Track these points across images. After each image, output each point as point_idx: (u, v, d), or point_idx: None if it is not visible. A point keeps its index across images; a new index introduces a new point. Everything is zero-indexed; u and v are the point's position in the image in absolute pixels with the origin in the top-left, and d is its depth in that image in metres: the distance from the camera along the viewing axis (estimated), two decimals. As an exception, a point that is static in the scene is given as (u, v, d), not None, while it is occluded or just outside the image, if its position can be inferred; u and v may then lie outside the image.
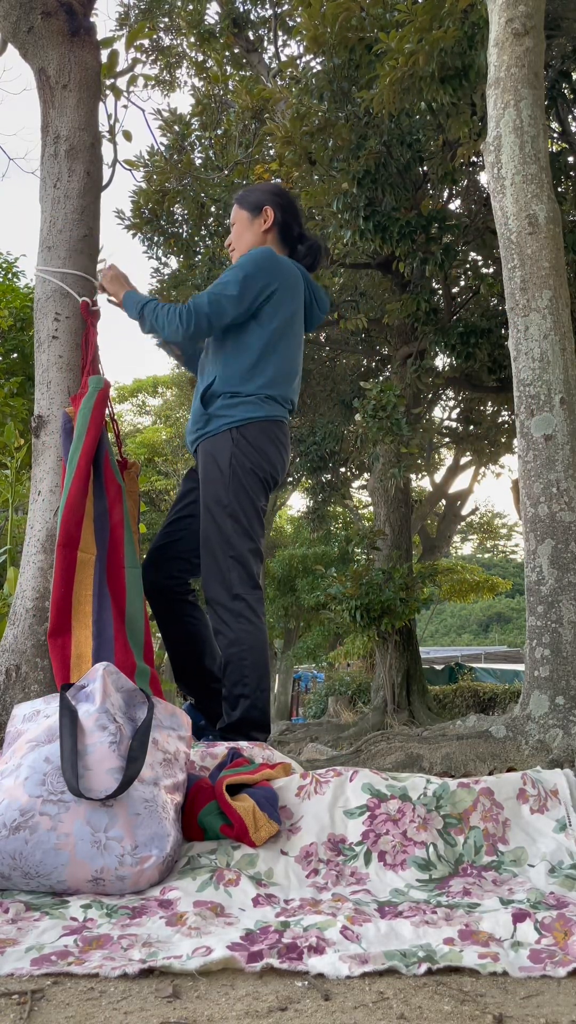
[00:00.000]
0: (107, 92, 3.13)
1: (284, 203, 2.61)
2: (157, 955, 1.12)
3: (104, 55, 2.87)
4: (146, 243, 8.74)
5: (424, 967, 1.08)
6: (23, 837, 1.39)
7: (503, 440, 11.11)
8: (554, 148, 6.90)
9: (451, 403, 11.62)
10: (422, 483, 15.09)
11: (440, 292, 8.02)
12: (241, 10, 9.46)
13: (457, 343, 7.23)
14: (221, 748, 1.92)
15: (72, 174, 2.61)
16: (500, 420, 10.82)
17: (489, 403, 10.62)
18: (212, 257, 8.79)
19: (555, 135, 6.86)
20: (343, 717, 12.06)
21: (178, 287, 8.81)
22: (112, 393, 2.59)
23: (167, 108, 11.15)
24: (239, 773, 1.70)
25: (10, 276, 6.65)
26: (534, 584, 2.40)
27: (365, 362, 10.98)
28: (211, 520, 2.37)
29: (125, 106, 3.49)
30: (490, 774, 1.87)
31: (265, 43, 9.70)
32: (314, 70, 6.09)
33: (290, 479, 12.26)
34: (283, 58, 9.35)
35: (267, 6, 9.44)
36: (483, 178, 7.59)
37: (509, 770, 1.92)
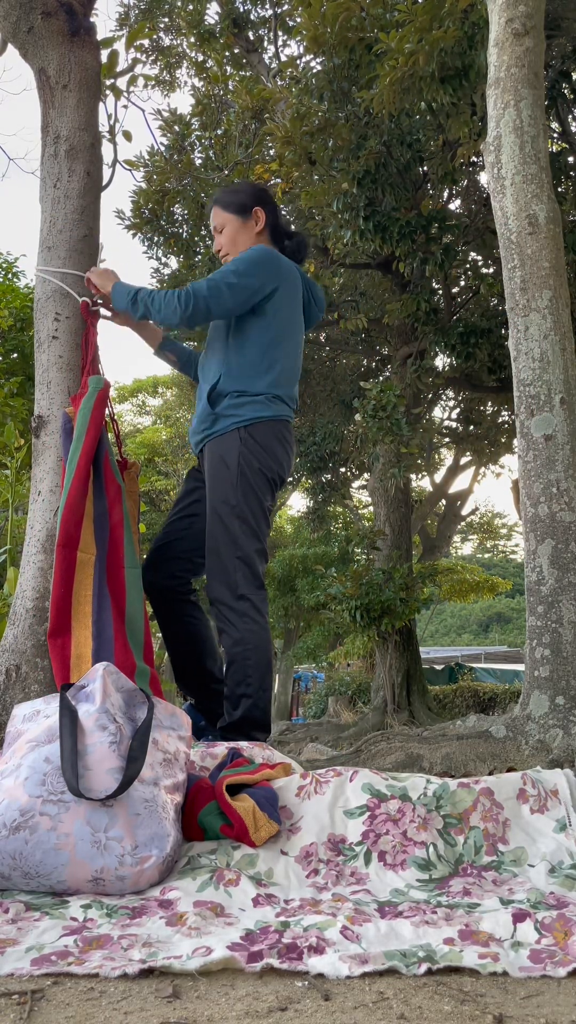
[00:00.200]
0: (107, 92, 3.13)
1: (269, 201, 2.61)
2: (157, 955, 1.12)
3: (104, 55, 2.87)
4: (146, 243, 8.74)
5: (424, 967, 1.08)
6: (23, 837, 1.39)
7: (503, 440, 11.11)
8: (554, 148, 6.90)
9: (451, 403, 11.62)
10: (422, 483, 15.10)
11: (440, 292, 8.02)
12: (241, 10, 9.45)
13: (457, 343, 7.23)
14: (221, 748, 1.92)
15: (72, 174, 2.61)
16: (500, 420, 10.82)
17: (489, 403, 10.62)
18: (212, 257, 8.79)
19: (555, 135, 6.86)
20: (343, 717, 12.06)
21: (178, 287, 8.81)
22: (112, 393, 2.59)
23: (167, 108, 11.16)
24: (239, 773, 1.70)
25: (10, 276, 6.65)
26: (534, 584, 2.40)
27: (365, 362, 10.98)
28: (218, 520, 2.36)
29: (125, 106, 3.50)
30: (490, 774, 1.87)
31: (265, 43, 9.70)
32: (314, 70, 6.09)
33: (290, 479, 12.26)
34: (283, 58, 9.35)
35: (267, 6, 9.44)
36: (483, 178, 7.59)
37: (509, 770, 1.92)
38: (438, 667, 17.92)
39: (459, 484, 16.85)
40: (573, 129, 6.65)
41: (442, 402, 11.26)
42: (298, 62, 8.04)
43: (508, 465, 14.07)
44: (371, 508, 12.87)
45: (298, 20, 6.26)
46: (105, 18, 38.09)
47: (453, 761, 2.10)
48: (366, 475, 11.19)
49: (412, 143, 6.25)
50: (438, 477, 14.54)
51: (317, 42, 5.49)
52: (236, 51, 9.70)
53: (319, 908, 1.33)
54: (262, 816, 1.56)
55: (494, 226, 3.10)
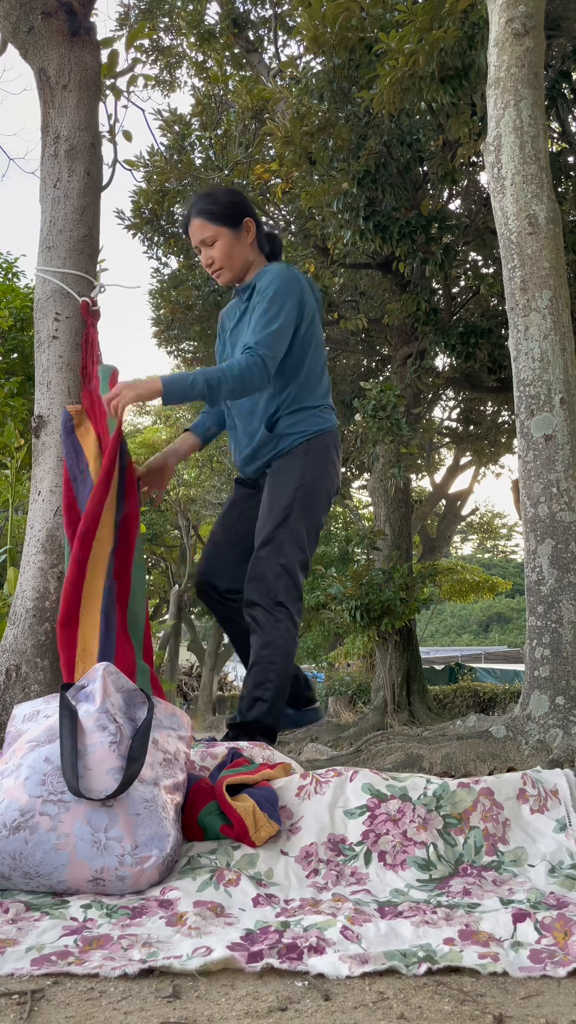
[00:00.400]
0: (107, 92, 3.13)
1: (250, 206, 2.55)
2: (157, 955, 1.12)
3: (104, 55, 2.87)
4: (146, 243, 8.74)
5: (424, 967, 1.08)
6: (23, 837, 1.39)
7: (503, 440, 11.12)
8: (554, 148, 6.90)
9: (451, 403, 11.62)
10: (422, 483, 15.10)
11: (440, 292, 8.02)
12: (241, 10, 9.46)
13: (457, 343, 7.23)
14: (221, 748, 1.92)
15: (72, 174, 2.61)
16: (500, 420, 10.82)
17: (489, 403, 10.62)
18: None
19: (555, 135, 6.86)
20: (343, 717, 12.06)
21: (178, 287, 8.81)
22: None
23: (167, 108, 11.16)
24: (239, 773, 1.70)
25: (10, 276, 6.65)
26: (534, 584, 2.40)
27: (365, 362, 10.99)
28: (270, 527, 2.35)
29: (125, 106, 3.49)
30: (490, 774, 1.87)
31: (265, 43, 9.70)
32: (314, 70, 6.09)
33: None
34: (283, 58, 9.35)
35: (267, 6, 9.44)
36: (483, 178, 7.59)
37: (509, 770, 1.92)
38: (438, 667, 17.93)
39: (459, 484, 16.86)
40: (573, 129, 6.65)
41: (442, 402, 11.26)
42: (298, 62, 8.04)
43: (508, 465, 14.08)
44: (371, 508, 12.86)
45: (298, 20, 6.26)
46: (105, 18, 38.06)
47: (453, 761, 2.10)
48: (366, 475, 11.19)
49: (412, 143, 6.25)
50: (438, 477, 14.54)
51: (317, 42, 5.49)
52: (236, 51, 9.70)
53: (319, 908, 1.33)
54: (262, 816, 1.56)
55: (494, 226, 3.10)
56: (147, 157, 7.82)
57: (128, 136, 3.40)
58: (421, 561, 12.75)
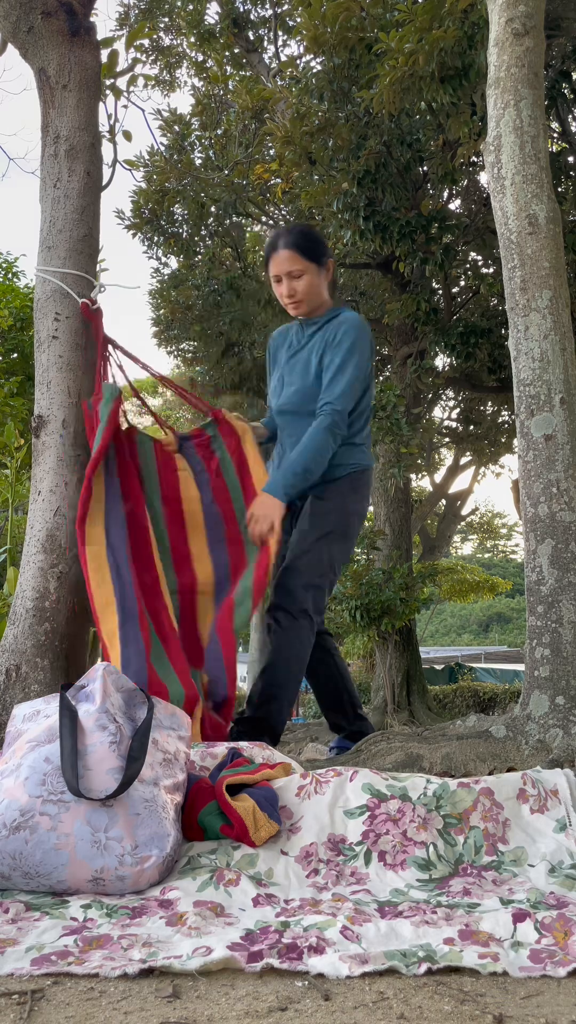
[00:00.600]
0: (107, 92, 3.13)
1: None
2: (157, 955, 1.12)
3: (104, 55, 2.87)
4: (146, 243, 8.73)
5: (424, 967, 1.08)
6: (23, 837, 1.39)
7: (503, 440, 11.11)
8: (554, 148, 6.90)
9: (451, 403, 11.61)
10: (422, 483, 15.09)
11: (440, 292, 8.02)
12: (241, 10, 9.45)
13: (457, 343, 7.22)
14: (221, 748, 1.92)
15: (72, 174, 2.61)
16: (500, 420, 10.81)
17: (489, 403, 10.62)
18: (212, 257, 8.79)
19: (555, 135, 6.86)
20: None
21: (178, 287, 8.81)
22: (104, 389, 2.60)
23: (167, 108, 11.14)
24: (239, 773, 1.70)
25: (10, 276, 6.65)
26: (534, 584, 2.40)
27: (365, 362, 10.95)
28: (306, 545, 2.44)
29: (125, 106, 3.49)
30: (490, 774, 1.87)
31: (265, 43, 9.70)
32: (314, 70, 6.08)
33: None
34: (283, 58, 9.34)
35: (267, 6, 9.44)
36: (483, 178, 7.58)
37: (509, 770, 1.92)
38: (438, 667, 17.91)
39: (459, 484, 16.85)
40: (573, 129, 6.64)
41: (442, 402, 11.26)
42: (298, 62, 8.03)
43: (508, 465, 14.08)
44: (371, 508, 12.86)
45: (298, 20, 6.26)
46: (105, 18, 38.01)
47: (453, 761, 2.10)
48: (366, 475, 11.15)
49: (412, 143, 6.24)
50: (438, 477, 14.54)
51: (317, 42, 5.48)
52: (236, 51, 9.70)
53: (319, 908, 1.33)
54: (262, 816, 1.56)
55: (494, 226, 3.10)
56: (147, 157, 7.82)
57: (128, 136, 3.40)
58: (421, 561, 12.74)
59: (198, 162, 7.97)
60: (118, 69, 3.14)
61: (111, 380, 2.57)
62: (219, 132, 7.87)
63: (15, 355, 6.05)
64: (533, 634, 2.36)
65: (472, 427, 11.04)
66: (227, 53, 9.61)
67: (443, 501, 14.62)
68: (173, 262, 9.23)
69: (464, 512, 15.49)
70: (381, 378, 9.63)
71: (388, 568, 8.19)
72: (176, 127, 8.06)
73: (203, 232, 8.68)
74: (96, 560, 2.18)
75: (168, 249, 8.77)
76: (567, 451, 2.45)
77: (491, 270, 8.12)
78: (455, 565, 16.71)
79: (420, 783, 1.64)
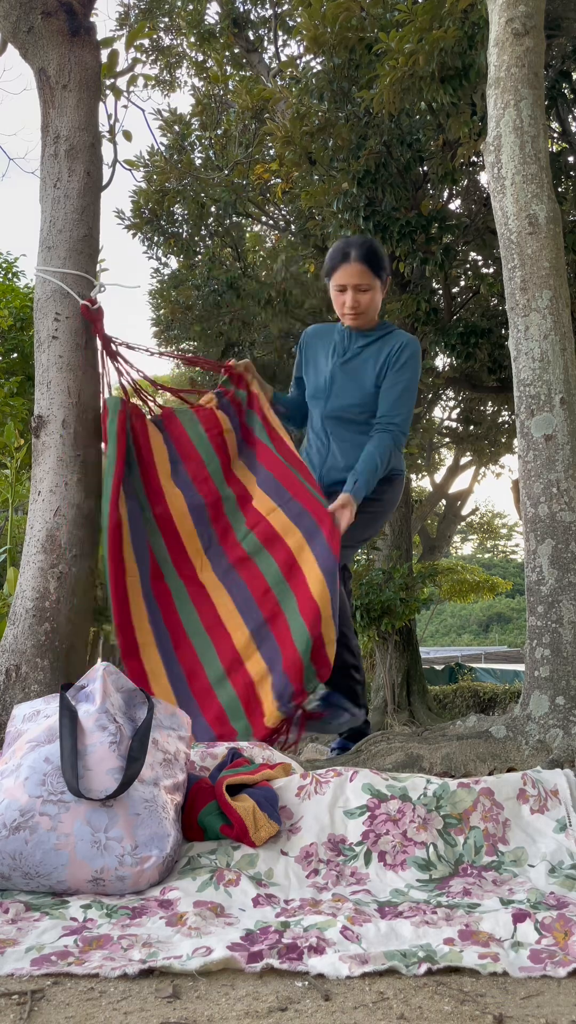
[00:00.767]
0: (107, 92, 3.13)
1: None
2: (157, 955, 1.12)
3: (104, 55, 2.87)
4: (146, 243, 8.73)
5: (424, 967, 1.08)
6: (23, 837, 1.39)
7: (503, 440, 11.11)
8: (554, 148, 6.90)
9: (451, 403, 11.61)
10: (422, 483, 15.08)
11: (440, 292, 8.02)
12: (241, 10, 9.45)
13: (457, 343, 7.22)
14: (221, 748, 1.92)
15: (72, 174, 2.61)
16: (500, 420, 10.81)
17: (489, 403, 10.62)
18: (212, 257, 8.78)
19: (555, 135, 6.86)
20: (343, 717, 12.00)
21: (178, 287, 8.80)
22: (113, 392, 2.61)
23: (167, 108, 11.15)
24: (239, 773, 1.70)
25: (10, 276, 6.65)
26: (534, 584, 2.39)
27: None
28: (350, 533, 2.56)
29: (125, 106, 3.50)
30: (490, 774, 1.87)
31: (265, 43, 9.69)
32: (314, 70, 6.08)
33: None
34: (283, 58, 9.34)
35: (267, 6, 9.44)
36: (483, 178, 7.58)
37: (509, 770, 1.92)
38: (438, 667, 17.89)
39: (459, 484, 16.86)
40: (573, 129, 6.64)
41: (442, 402, 11.26)
42: (298, 62, 8.03)
43: (508, 465, 14.08)
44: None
45: (298, 20, 6.26)
46: (105, 18, 38.03)
47: (453, 761, 2.10)
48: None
49: (412, 143, 6.24)
50: (438, 477, 14.54)
51: (317, 42, 5.48)
52: (236, 51, 9.70)
53: (319, 908, 1.33)
54: (262, 816, 1.56)
55: (494, 226, 3.10)
56: (147, 157, 7.82)
57: (128, 136, 3.40)
58: (421, 561, 12.74)
59: (198, 162, 7.97)
60: (118, 69, 3.14)
61: (112, 383, 2.58)
62: (219, 132, 7.87)
63: (15, 355, 6.05)
64: (533, 634, 2.36)
65: (472, 427, 11.03)
66: (227, 53, 9.60)
67: (443, 501, 14.62)
68: (173, 262, 9.24)
69: (464, 512, 15.50)
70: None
71: (388, 568, 8.19)
72: (176, 127, 8.06)
73: (203, 232, 8.68)
74: (132, 588, 2.32)
75: (168, 249, 8.77)
76: (567, 451, 2.44)
77: (491, 270, 8.12)
78: (455, 565, 16.70)
79: (420, 783, 1.64)
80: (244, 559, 2.47)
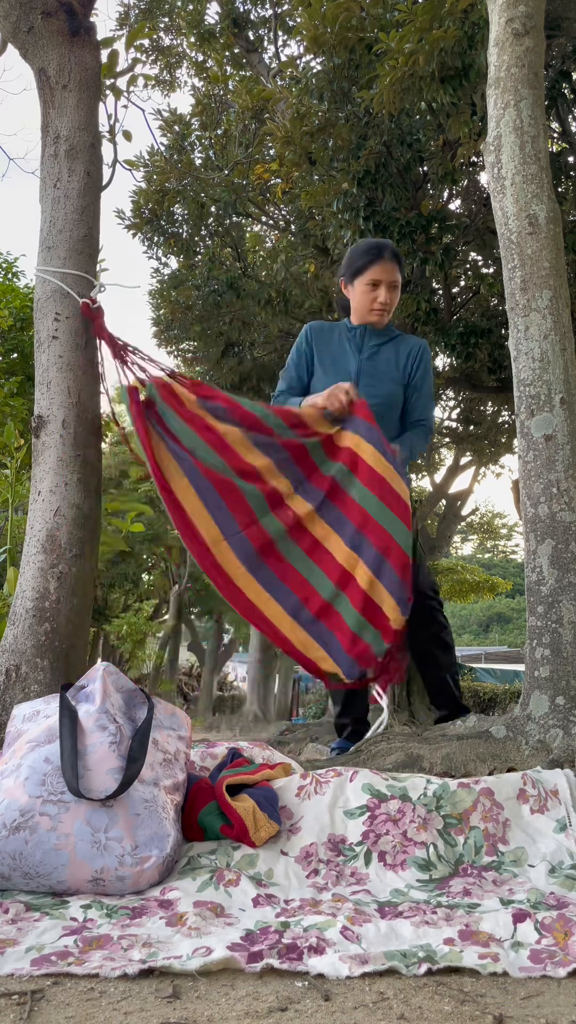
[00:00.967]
0: (107, 92, 3.13)
1: None
2: (157, 955, 1.12)
3: (104, 55, 2.87)
4: (146, 243, 8.73)
5: (424, 967, 1.08)
6: (23, 837, 1.39)
7: (503, 440, 11.10)
8: (554, 148, 6.90)
9: (451, 403, 11.61)
10: (422, 483, 15.08)
11: (440, 292, 8.02)
12: (241, 10, 9.45)
13: (457, 343, 7.22)
14: (221, 748, 1.93)
15: (72, 174, 2.61)
16: (500, 420, 10.81)
17: (489, 403, 10.61)
18: (212, 257, 8.78)
19: (555, 135, 6.86)
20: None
21: (178, 287, 8.80)
22: (112, 394, 2.60)
23: (167, 108, 11.14)
24: (239, 773, 1.70)
25: (10, 276, 6.64)
26: (534, 584, 2.39)
27: (365, 362, 10.93)
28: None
29: (125, 106, 3.50)
30: (490, 774, 1.87)
31: (265, 43, 9.69)
32: (314, 70, 6.08)
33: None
34: (283, 58, 9.34)
35: (267, 6, 9.44)
36: (483, 178, 7.58)
37: (509, 770, 1.92)
38: (438, 667, 17.82)
39: (459, 484, 16.87)
40: (573, 129, 6.64)
41: (442, 402, 11.25)
42: (298, 62, 8.03)
43: (508, 465, 14.07)
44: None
45: (298, 20, 6.26)
46: (105, 18, 38.05)
47: (453, 761, 2.10)
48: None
49: (412, 143, 6.24)
50: (438, 477, 14.53)
51: (317, 42, 5.48)
52: (236, 51, 9.70)
53: (319, 908, 1.33)
54: (262, 816, 1.56)
55: (494, 226, 3.10)
56: (147, 157, 7.81)
57: (128, 136, 3.40)
58: (421, 561, 12.70)
59: (198, 162, 7.97)
60: (118, 69, 3.14)
61: (126, 381, 2.54)
62: (219, 132, 7.87)
63: (15, 355, 6.05)
64: (533, 634, 2.36)
65: (472, 427, 11.03)
66: (227, 53, 9.61)
67: (443, 501, 14.62)
68: (173, 262, 9.23)
69: (464, 512, 15.49)
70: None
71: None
72: (176, 127, 8.06)
73: (203, 232, 8.68)
74: (223, 554, 2.29)
75: (168, 249, 8.77)
76: (567, 451, 2.44)
77: (491, 270, 8.11)
78: (455, 565, 16.71)
79: (420, 783, 1.64)
80: (333, 485, 2.49)
